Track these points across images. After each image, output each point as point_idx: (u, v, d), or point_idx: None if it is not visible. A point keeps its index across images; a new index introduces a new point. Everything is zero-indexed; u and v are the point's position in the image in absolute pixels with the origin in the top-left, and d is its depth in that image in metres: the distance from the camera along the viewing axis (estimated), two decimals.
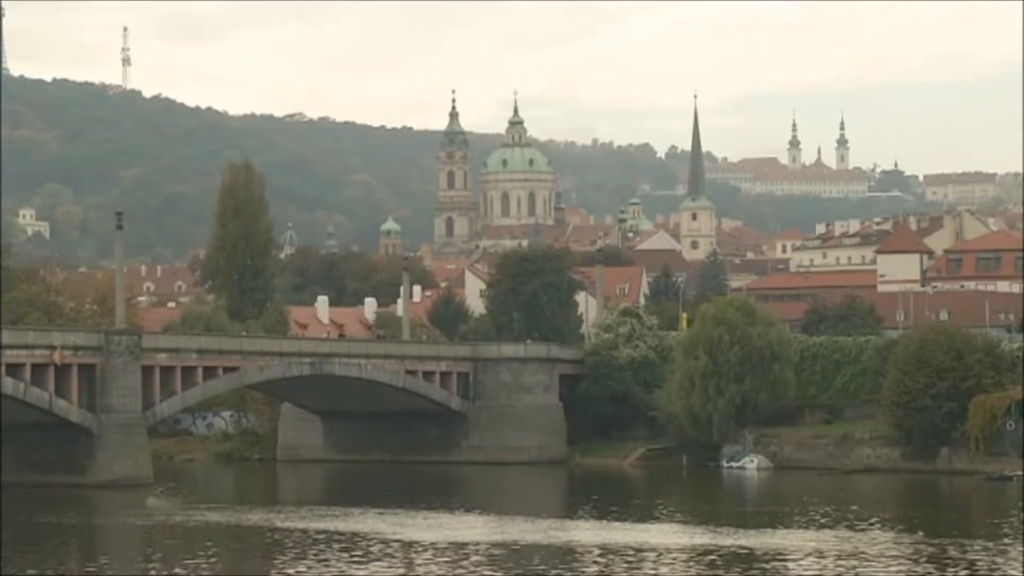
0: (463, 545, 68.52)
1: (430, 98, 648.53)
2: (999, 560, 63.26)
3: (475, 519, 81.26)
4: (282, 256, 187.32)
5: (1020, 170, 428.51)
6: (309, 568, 61.78)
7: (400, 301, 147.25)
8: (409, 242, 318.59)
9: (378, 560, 63.95)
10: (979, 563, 62.19)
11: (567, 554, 66.38)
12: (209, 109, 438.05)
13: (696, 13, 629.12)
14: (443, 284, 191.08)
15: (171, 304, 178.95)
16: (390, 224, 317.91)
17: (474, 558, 65.01)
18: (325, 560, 63.92)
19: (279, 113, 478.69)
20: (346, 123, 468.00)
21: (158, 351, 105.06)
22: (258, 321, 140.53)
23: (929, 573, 60.07)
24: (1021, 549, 67.08)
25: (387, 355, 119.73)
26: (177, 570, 62.19)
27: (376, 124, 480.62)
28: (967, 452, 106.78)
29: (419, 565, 62.85)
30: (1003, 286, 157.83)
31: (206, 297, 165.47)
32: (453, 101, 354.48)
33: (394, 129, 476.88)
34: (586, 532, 75.04)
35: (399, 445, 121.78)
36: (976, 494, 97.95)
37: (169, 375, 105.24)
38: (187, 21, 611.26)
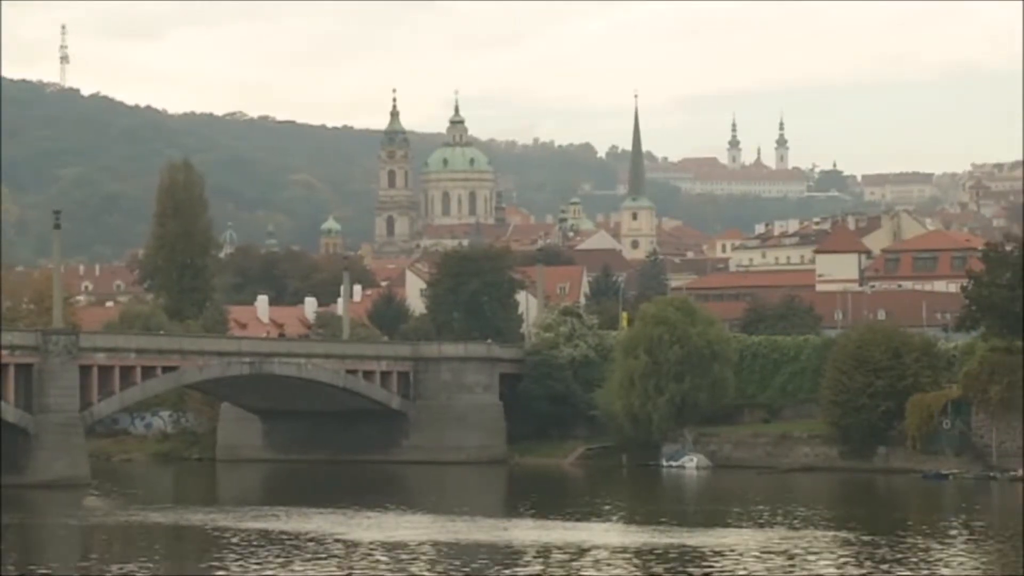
0: (404, 545, 68.50)
1: (371, 97, 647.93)
2: (935, 558, 63.81)
3: (415, 518, 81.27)
4: (222, 255, 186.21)
5: (957, 170, 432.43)
6: (249, 568, 61.56)
7: (340, 300, 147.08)
8: (350, 241, 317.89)
9: (319, 560, 63.83)
10: (915, 561, 62.70)
11: (508, 553, 66.46)
12: (148, 108, 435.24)
13: (637, 14, 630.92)
14: (384, 283, 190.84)
15: (109, 304, 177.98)
16: (331, 223, 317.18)
17: (415, 558, 65.02)
18: (265, 560, 63.73)
19: (219, 112, 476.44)
20: (287, 122, 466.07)
21: (96, 351, 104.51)
22: (197, 320, 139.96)
23: (866, 571, 60.51)
24: (958, 547, 67.82)
25: (327, 354, 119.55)
26: (115, 570, 61.84)
27: (317, 123, 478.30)
28: (904, 451, 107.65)
29: (360, 565, 62.77)
30: (940, 286, 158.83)
31: (145, 296, 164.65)
32: (394, 100, 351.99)
33: (335, 128, 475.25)
34: (526, 531, 75.11)
35: (339, 444, 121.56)
36: (913, 492, 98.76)
37: (107, 375, 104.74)
38: (126, 19, 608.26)
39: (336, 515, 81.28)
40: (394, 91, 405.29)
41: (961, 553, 65.63)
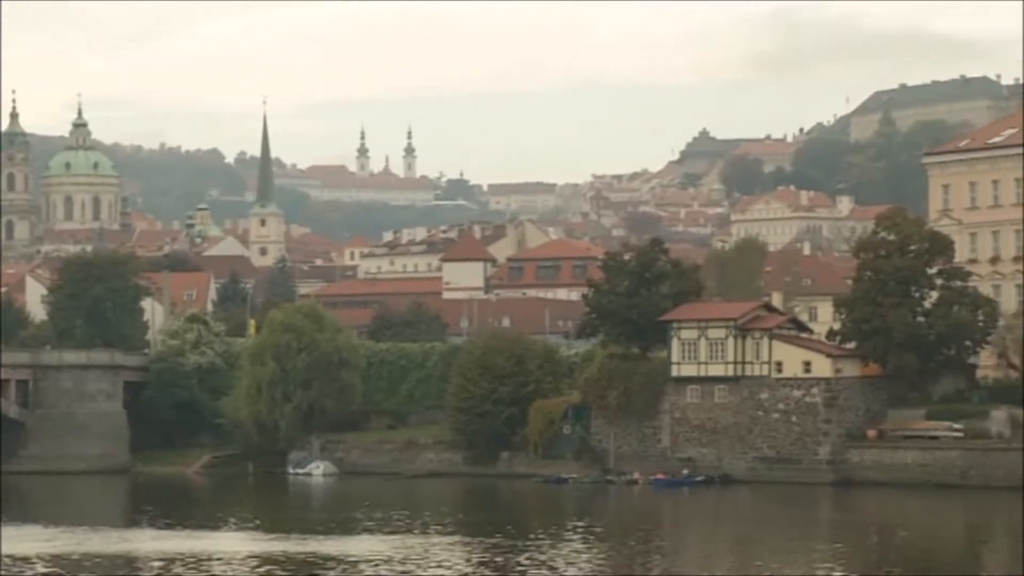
0: (21, 558, 66.61)
1: None
2: (555, 560, 65.40)
3: (33, 530, 79.07)
4: None
5: (578, 181, 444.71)
6: None
7: None
8: None
9: None
10: (536, 563, 64.10)
11: (127, 564, 65.47)
12: None
13: (266, 17, 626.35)
14: (2, 289, 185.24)
15: None
16: None
17: (32, 572, 63.34)
18: None
19: None
20: None
21: None
22: None
23: (490, 574, 61.60)
24: (577, 549, 69.68)
25: None
26: None
27: None
28: (526, 455, 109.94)
29: None
30: (562, 293, 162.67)
31: None
32: (13, 101, 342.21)
33: None
34: (148, 542, 74.03)
35: None
36: (533, 496, 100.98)
37: None
38: None
39: None
40: (13, 92, 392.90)
41: (580, 555, 67.44)
